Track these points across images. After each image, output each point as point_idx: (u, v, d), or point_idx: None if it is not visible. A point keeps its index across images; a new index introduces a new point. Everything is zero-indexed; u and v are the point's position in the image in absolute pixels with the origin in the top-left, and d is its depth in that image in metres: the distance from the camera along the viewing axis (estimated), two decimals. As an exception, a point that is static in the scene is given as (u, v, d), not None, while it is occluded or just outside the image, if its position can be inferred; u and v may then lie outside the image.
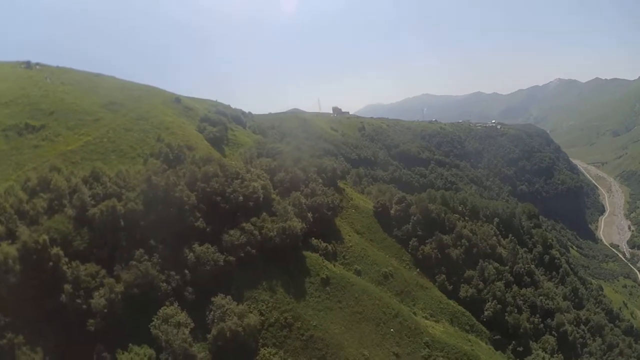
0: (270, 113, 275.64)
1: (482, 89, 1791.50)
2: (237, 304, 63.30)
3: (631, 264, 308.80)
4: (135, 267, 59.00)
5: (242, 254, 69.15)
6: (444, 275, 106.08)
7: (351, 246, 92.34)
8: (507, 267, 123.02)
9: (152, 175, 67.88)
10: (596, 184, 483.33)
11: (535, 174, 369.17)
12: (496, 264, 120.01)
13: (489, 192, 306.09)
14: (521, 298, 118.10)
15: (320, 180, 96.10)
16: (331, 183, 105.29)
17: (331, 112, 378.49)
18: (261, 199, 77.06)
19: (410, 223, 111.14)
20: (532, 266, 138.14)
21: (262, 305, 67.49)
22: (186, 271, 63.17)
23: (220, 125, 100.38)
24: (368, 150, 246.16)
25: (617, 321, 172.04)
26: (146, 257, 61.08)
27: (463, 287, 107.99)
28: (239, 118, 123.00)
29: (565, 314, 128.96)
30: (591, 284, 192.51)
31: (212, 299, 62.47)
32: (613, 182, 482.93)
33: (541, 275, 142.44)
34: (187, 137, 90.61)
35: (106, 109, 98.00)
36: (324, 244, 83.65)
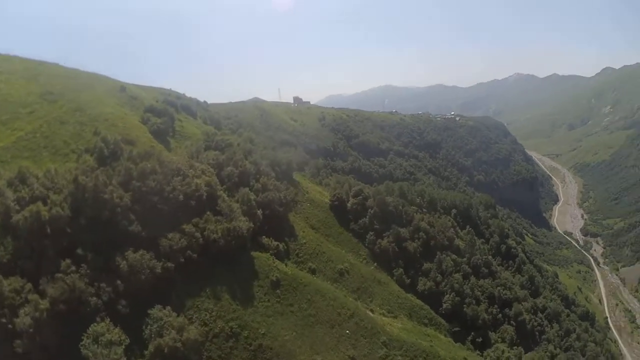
0: (230, 102, 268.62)
1: (443, 81, 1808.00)
2: (177, 315, 56.34)
3: (584, 250, 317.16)
4: (62, 280, 51.38)
5: (183, 259, 61.89)
6: (401, 269, 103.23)
7: (305, 243, 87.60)
8: (464, 259, 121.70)
9: (79, 175, 59.60)
10: (550, 174, 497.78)
11: (492, 164, 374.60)
12: (454, 256, 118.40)
13: (447, 182, 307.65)
14: (479, 289, 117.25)
15: (273, 174, 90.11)
16: (286, 176, 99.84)
17: (292, 101, 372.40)
18: (204, 197, 69.90)
19: (367, 216, 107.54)
20: (490, 257, 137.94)
21: (206, 315, 60.92)
22: (119, 282, 55.33)
23: (167, 115, 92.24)
24: (328, 140, 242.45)
25: (572, 307, 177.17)
26: (73, 268, 53.34)
27: (421, 280, 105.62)
28: (189, 108, 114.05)
29: (523, 302, 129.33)
30: (547, 271, 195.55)
31: (149, 311, 55.17)
32: (567, 173, 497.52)
33: (498, 266, 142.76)
34: (128, 129, 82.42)
35: (42, 100, 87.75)
36: (275, 243, 77.83)
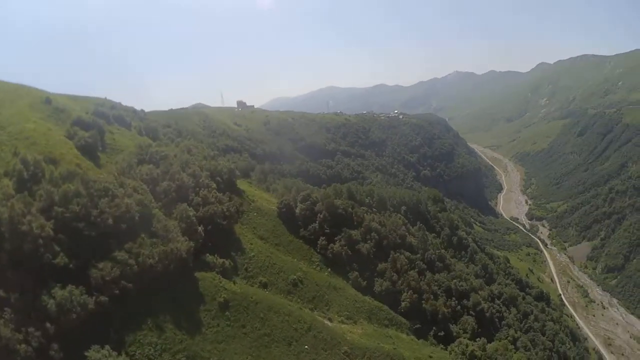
0: (171, 109, 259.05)
1: (385, 81, 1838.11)
2: (118, 354, 49.82)
3: (531, 233, 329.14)
4: (-17, 330, 43.94)
5: (117, 291, 54.76)
6: (356, 273, 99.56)
7: (254, 256, 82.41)
8: (418, 255, 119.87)
9: (-8, 205, 51.50)
10: (493, 165, 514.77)
11: (437, 159, 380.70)
12: (408, 253, 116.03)
13: (395, 179, 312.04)
14: (436, 284, 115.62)
15: (214, 185, 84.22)
16: (229, 186, 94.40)
17: (236, 106, 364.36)
18: (137, 218, 62.91)
19: (317, 221, 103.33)
20: (443, 250, 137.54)
21: (150, 350, 54.25)
22: (48, 324, 47.87)
23: (96, 128, 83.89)
24: (274, 144, 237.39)
25: (527, 289, 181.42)
26: (-5, 313, 45.81)
27: (377, 281, 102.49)
28: (123, 118, 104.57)
29: (480, 292, 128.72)
30: (499, 257, 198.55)
31: (86, 353, 48.19)
32: (508, 162, 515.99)
33: (452, 258, 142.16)
34: (51, 147, 73.66)
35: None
36: (221, 260, 72.14)
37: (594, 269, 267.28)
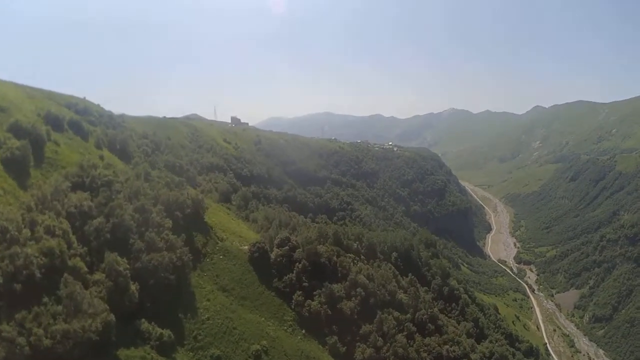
0: (164, 117, 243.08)
1: (381, 111, 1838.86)
2: None
3: (519, 278, 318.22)
4: None
5: None
6: (335, 337, 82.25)
7: (208, 318, 64.24)
8: (408, 316, 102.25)
9: None
10: (483, 204, 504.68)
11: (428, 195, 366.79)
12: (397, 313, 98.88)
13: (384, 212, 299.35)
14: (425, 349, 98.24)
15: (169, 224, 66.05)
16: (193, 221, 76.97)
17: (229, 121, 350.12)
18: (38, 275, 44.35)
19: (295, 271, 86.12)
20: (436, 309, 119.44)
21: None
22: None
23: (33, 135, 66.59)
24: (262, 166, 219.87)
25: (517, 343, 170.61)
26: None
27: (359, 347, 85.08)
28: (79, 125, 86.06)
29: (471, 354, 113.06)
30: (488, 308, 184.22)
31: None
32: (498, 202, 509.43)
33: (441, 312, 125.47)
34: None
35: None
36: (158, 331, 53.55)
37: (581, 317, 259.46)
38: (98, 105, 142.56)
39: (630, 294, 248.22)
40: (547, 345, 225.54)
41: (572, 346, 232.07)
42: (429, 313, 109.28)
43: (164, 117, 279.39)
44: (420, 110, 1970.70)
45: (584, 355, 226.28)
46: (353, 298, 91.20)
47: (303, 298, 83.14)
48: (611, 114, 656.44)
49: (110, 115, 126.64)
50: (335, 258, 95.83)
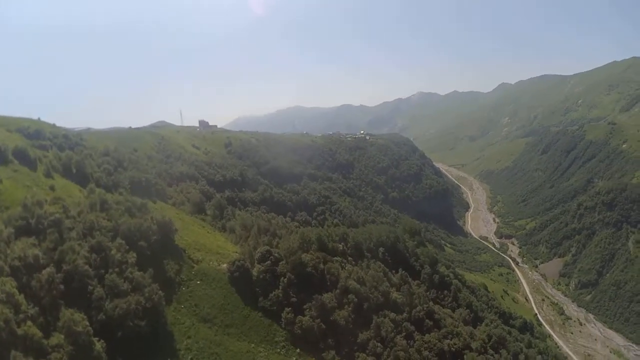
0: (130, 128, 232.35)
1: (350, 101, 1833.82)
2: None
3: (502, 252, 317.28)
4: None
5: None
6: (333, 351, 75.23)
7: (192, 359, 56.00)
8: (404, 315, 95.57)
9: None
10: (458, 183, 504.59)
11: (405, 180, 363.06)
12: (393, 314, 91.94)
13: (363, 202, 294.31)
14: (426, 346, 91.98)
15: (133, 259, 57.30)
16: (162, 247, 68.49)
17: (197, 125, 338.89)
18: None
19: (280, 286, 78.49)
20: (431, 303, 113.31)
21: None
22: None
23: None
24: (235, 169, 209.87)
25: (511, 321, 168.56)
26: None
27: (359, 357, 78.34)
28: (23, 153, 76.62)
29: (472, 343, 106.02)
30: (479, 288, 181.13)
31: None
32: (474, 180, 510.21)
33: (435, 304, 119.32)
34: None
35: None
36: None
37: (567, 285, 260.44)
38: (53, 125, 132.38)
39: (612, 257, 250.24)
40: (538, 315, 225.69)
41: (562, 314, 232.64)
42: (425, 308, 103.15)
43: (130, 127, 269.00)
44: (388, 97, 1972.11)
45: (574, 321, 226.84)
46: (346, 306, 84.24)
47: (293, 315, 75.54)
48: (576, 86, 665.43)
49: (65, 135, 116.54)
50: (321, 265, 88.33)
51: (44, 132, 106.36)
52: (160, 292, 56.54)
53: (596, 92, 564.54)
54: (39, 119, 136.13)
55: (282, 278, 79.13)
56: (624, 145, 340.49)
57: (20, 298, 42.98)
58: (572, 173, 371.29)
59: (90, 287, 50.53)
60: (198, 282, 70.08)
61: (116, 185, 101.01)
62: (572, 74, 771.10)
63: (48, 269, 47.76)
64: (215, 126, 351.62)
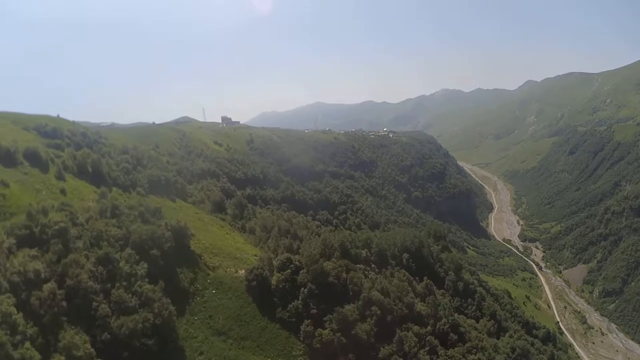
0: (153, 123, 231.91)
1: (372, 98, 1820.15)
2: None
3: (525, 256, 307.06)
4: None
5: None
6: (353, 367, 70.38)
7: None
8: (429, 328, 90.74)
9: None
10: (482, 183, 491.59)
11: (428, 179, 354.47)
12: (416, 328, 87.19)
13: (385, 202, 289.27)
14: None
15: (142, 270, 52.52)
16: (178, 252, 64.50)
17: (220, 122, 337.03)
18: None
19: (300, 297, 74.15)
20: (456, 315, 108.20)
21: None
22: None
23: None
24: (256, 166, 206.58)
25: (534, 331, 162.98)
26: None
27: (380, 373, 73.41)
28: (35, 154, 72.90)
29: (496, 357, 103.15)
30: (503, 296, 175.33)
31: None
32: (498, 180, 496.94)
33: (460, 315, 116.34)
34: None
35: None
36: None
37: (591, 292, 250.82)
38: (73, 122, 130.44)
39: (639, 265, 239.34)
40: (559, 323, 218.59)
41: (584, 322, 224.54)
42: (449, 321, 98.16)
43: (153, 123, 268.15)
44: (411, 94, 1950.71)
45: (596, 330, 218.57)
46: (368, 319, 79.33)
47: (312, 327, 71.21)
48: (604, 84, 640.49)
49: (83, 133, 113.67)
50: (344, 274, 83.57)
51: (60, 130, 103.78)
52: (171, 306, 52.58)
53: (624, 91, 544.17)
54: (58, 116, 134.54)
55: (303, 288, 74.75)
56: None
57: (19, 317, 39.20)
58: (599, 175, 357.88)
59: (95, 304, 46.53)
60: (213, 292, 66.17)
61: (134, 184, 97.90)
62: (599, 71, 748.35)
63: (49, 284, 43.80)
64: (238, 122, 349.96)
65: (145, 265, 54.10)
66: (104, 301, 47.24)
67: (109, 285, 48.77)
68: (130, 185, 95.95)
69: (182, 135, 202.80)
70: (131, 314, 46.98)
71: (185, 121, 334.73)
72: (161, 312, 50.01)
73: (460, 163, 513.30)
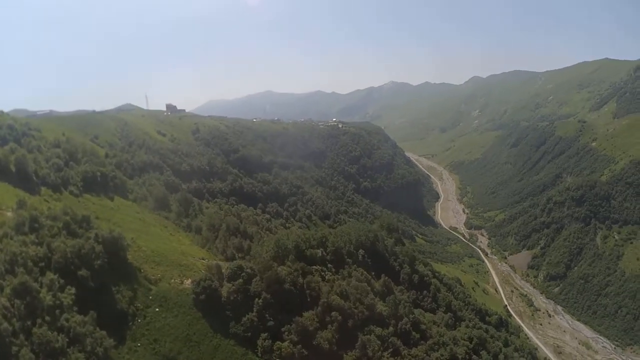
0: (94, 111, 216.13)
1: (322, 88, 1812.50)
2: None
3: (471, 243, 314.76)
4: None
5: None
6: (316, 380, 64.64)
7: None
8: (390, 329, 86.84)
9: None
10: (429, 173, 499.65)
11: (377, 170, 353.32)
12: (378, 330, 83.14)
13: (335, 192, 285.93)
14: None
15: (70, 296, 43.32)
16: (110, 270, 55.37)
17: (165, 109, 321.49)
18: None
19: (255, 309, 67.08)
20: (416, 311, 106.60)
21: None
22: None
23: None
24: (202, 158, 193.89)
25: (487, 317, 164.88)
26: None
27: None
28: None
29: (457, 349, 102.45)
30: (456, 287, 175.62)
31: None
32: (443, 171, 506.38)
33: (416, 307, 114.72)
34: None
35: None
36: None
37: (536, 277, 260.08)
38: (1, 112, 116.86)
39: (580, 251, 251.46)
40: (508, 307, 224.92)
41: (531, 305, 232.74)
42: (410, 319, 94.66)
43: (93, 111, 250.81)
44: (360, 85, 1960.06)
45: (543, 312, 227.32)
46: (329, 325, 73.88)
47: (270, 341, 64.86)
48: (547, 82, 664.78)
49: (10, 126, 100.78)
50: (300, 279, 77.29)
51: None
52: (107, 340, 43.96)
53: (567, 90, 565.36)
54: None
55: (257, 299, 67.56)
56: (593, 143, 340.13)
57: None
58: (541, 167, 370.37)
59: (14, 348, 36.95)
60: (157, 310, 57.68)
61: (66, 182, 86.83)
62: (543, 71, 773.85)
63: None
64: (184, 110, 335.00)
65: (73, 291, 44.80)
66: (26, 343, 37.99)
67: (28, 323, 39.50)
68: (62, 184, 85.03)
69: (123, 124, 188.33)
70: (59, 357, 37.95)
71: (128, 109, 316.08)
72: (94, 350, 41.22)
73: (407, 154, 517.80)
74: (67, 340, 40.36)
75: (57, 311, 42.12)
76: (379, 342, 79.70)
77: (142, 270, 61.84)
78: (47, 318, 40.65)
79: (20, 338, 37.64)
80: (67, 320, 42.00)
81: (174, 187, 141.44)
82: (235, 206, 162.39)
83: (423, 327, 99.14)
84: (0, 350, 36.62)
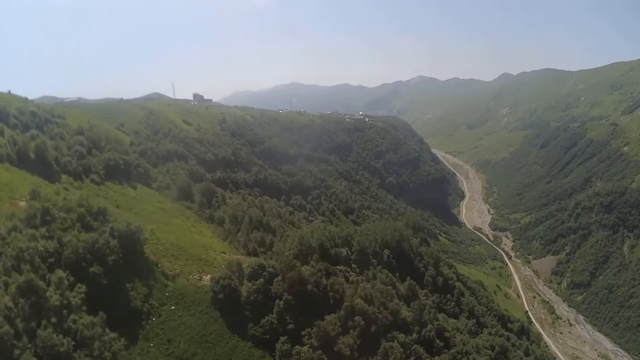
0: (121, 99, 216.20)
1: (348, 81, 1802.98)
2: None
3: (495, 245, 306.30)
4: None
5: None
6: (334, 390, 60.99)
7: None
8: (414, 336, 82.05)
9: None
10: (454, 171, 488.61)
11: (402, 165, 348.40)
12: (402, 336, 78.31)
13: (359, 186, 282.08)
14: (436, 371, 79.58)
15: (79, 296, 40.23)
16: (125, 264, 52.59)
17: (191, 99, 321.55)
18: None
19: (275, 310, 63.56)
20: (440, 319, 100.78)
21: None
22: None
23: None
24: (228, 148, 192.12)
25: (509, 324, 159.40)
26: None
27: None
28: None
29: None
30: (479, 290, 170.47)
31: None
32: (470, 169, 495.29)
33: (440, 311, 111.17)
34: None
35: None
36: None
37: (559, 284, 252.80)
38: (25, 99, 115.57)
39: (606, 260, 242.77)
40: (529, 313, 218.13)
41: (553, 312, 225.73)
42: (435, 326, 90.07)
43: (121, 99, 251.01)
44: (388, 79, 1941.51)
45: (564, 321, 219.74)
46: (351, 331, 69.71)
47: (289, 345, 61.19)
48: (579, 82, 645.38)
49: (33, 113, 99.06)
50: (324, 280, 73.61)
51: (6, 110, 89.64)
52: (116, 343, 40.94)
53: (599, 91, 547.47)
54: (9, 92, 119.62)
55: (278, 300, 64.04)
56: (625, 148, 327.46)
57: None
58: (570, 170, 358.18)
59: (17, 351, 34.33)
60: (172, 308, 54.68)
61: (87, 170, 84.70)
62: (575, 70, 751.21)
63: None
64: (210, 100, 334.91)
65: (83, 289, 41.76)
66: (29, 345, 35.33)
67: (33, 325, 36.81)
68: (83, 171, 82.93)
69: (149, 113, 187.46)
70: (64, 362, 35.01)
71: (155, 98, 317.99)
72: (102, 354, 38.30)
73: (434, 150, 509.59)
74: (73, 343, 37.45)
75: (65, 311, 39.20)
76: (401, 349, 75.03)
77: (159, 265, 58.97)
78: (53, 319, 37.74)
79: (23, 340, 34.87)
80: (74, 321, 39.08)
81: (198, 176, 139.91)
82: (259, 198, 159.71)
83: (447, 334, 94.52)
84: (0, 354, 33.85)
